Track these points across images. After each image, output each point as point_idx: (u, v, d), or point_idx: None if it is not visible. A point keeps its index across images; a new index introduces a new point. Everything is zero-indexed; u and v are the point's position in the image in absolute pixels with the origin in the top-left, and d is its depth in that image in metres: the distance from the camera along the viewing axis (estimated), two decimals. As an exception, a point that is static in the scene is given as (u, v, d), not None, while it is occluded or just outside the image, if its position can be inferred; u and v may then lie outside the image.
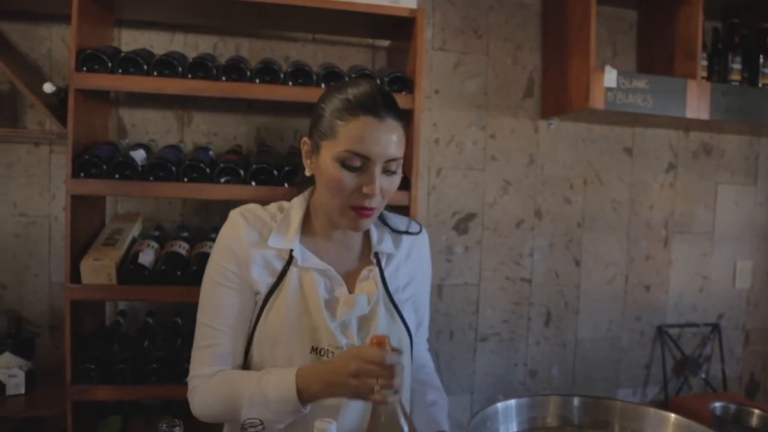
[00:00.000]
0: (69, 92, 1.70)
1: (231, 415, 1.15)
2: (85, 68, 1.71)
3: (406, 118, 1.20)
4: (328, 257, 1.22)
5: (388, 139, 1.11)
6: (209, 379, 1.17)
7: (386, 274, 1.25)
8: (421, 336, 1.41)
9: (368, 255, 1.27)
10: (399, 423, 0.96)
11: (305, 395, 1.08)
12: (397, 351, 1.03)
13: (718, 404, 1.32)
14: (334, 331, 1.16)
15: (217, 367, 1.18)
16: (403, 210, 1.84)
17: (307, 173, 1.21)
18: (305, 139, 1.20)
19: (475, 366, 2.45)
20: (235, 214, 1.22)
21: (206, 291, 1.21)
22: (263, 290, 1.19)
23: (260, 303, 1.19)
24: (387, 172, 1.14)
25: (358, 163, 1.10)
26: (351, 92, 1.13)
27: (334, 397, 1.09)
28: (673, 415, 1.07)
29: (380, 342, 1.02)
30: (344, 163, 1.10)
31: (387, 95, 1.14)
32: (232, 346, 1.19)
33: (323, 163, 1.14)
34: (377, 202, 1.14)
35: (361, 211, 1.13)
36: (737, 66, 2.33)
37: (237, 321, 1.19)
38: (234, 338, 1.19)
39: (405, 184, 1.90)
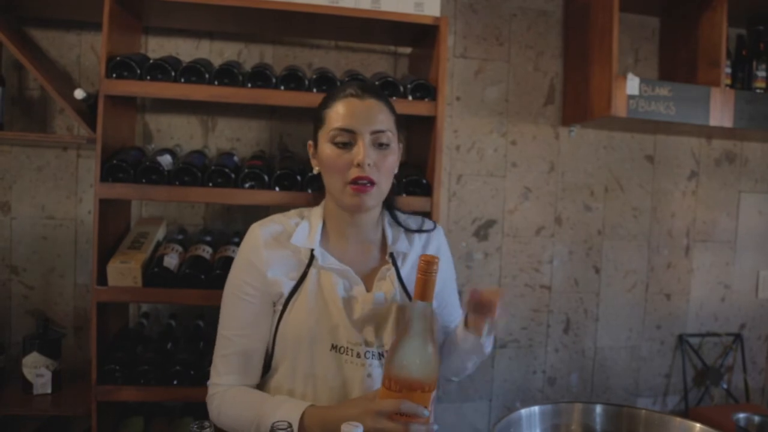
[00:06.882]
0: (99, 98, 1.73)
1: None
2: (114, 75, 1.74)
3: (390, 103, 1.29)
4: (347, 259, 1.27)
5: (369, 112, 1.21)
6: (225, 392, 1.23)
7: (402, 273, 1.29)
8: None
9: (385, 255, 1.31)
10: None
11: None
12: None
13: (741, 415, 1.31)
14: (353, 329, 1.21)
15: (233, 377, 1.24)
16: (425, 216, 1.84)
17: (315, 171, 1.29)
18: (310, 142, 1.32)
19: (494, 373, 2.44)
20: (254, 227, 1.29)
21: (225, 302, 1.27)
22: (285, 291, 1.23)
23: (282, 303, 1.23)
24: (377, 145, 1.21)
25: (346, 138, 1.20)
26: (336, 89, 1.31)
27: None
28: (698, 425, 1.07)
29: (427, 263, 0.98)
30: (335, 141, 1.20)
31: (366, 82, 1.22)
32: (248, 357, 1.24)
33: (321, 151, 1.23)
34: (374, 176, 1.19)
35: (358, 186, 1.18)
36: (762, 73, 2.30)
37: (253, 332, 1.24)
38: (250, 349, 1.24)
39: (426, 191, 1.91)
